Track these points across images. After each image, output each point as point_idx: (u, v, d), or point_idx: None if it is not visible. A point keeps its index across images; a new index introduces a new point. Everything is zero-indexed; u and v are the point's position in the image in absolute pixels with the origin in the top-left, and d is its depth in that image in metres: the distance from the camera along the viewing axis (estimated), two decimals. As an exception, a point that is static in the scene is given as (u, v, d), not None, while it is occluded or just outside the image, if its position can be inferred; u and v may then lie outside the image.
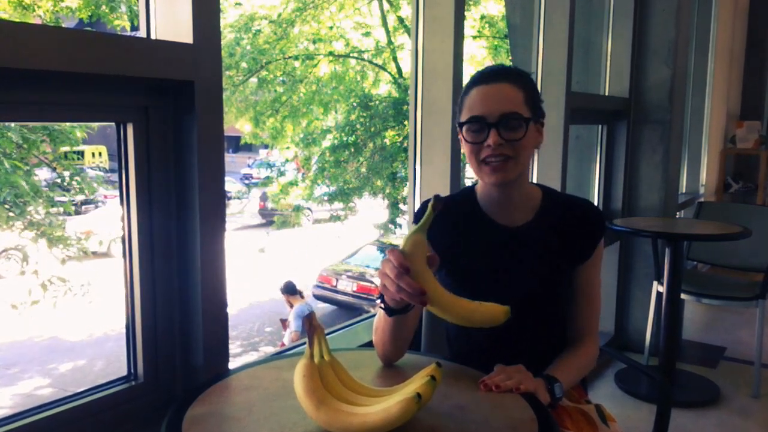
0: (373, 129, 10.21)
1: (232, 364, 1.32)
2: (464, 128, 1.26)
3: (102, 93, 1.15)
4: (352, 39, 10.65)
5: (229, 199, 15.94)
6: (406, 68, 10.27)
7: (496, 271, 1.34)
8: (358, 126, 10.33)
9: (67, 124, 6.01)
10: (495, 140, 1.22)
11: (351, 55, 10.73)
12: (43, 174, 6.73)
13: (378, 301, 1.15)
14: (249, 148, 18.95)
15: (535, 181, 2.49)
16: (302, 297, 7.37)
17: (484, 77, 1.28)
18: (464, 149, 1.29)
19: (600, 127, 3.43)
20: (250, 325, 9.13)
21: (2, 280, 8.44)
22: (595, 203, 2.94)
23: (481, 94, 1.25)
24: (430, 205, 1.03)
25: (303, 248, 12.74)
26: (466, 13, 2.06)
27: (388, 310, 1.13)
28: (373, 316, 2.16)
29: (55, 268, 6.32)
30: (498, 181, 1.25)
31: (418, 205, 1.43)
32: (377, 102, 10.40)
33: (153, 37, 1.25)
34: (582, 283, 1.37)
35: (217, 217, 1.27)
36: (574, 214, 1.37)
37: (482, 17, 10.52)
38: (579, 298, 1.38)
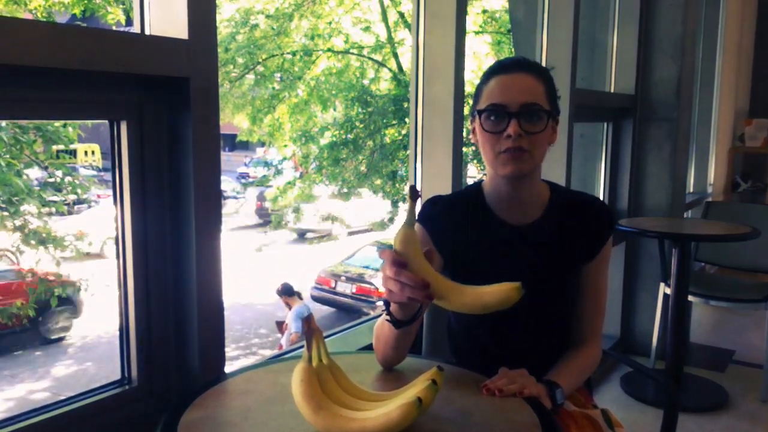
0: (372, 126, 10.21)
1: (229, 368, 1.32)
2: (482, 116, 1.24)
3: (95, 90, 1.15)
4: (351, 35, 10.65)
5: (225, 198, 15.93)
6: (407, 64, 10.28)
7: (502, 271, 1.32)
8: (357, 123, 10.33)
9: (60, 124, 6.00)
10: (515, 130, 1.20)
11: (351, 51, 10.74)
12: (34, 173, 6.72)
13: (384, 314, 1.14)
14: (245, 146, 18.95)
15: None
16: (300, 298, 7.37)
17: (505, 67, 1.27)
18: (479, 139, 1.27)
19: (605, 124, 3.43)
20: (247, 328, 9.13)
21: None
22: (601, 203, 2.94)
23: (502, 83, 1.24)
24: (408, 197, 1.02)
25: (302, 249, 12.73)
26: (467, 8, 2.06)
27: (396, 323, 1.11)
28: (373, 318, 2.16)
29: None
30: (513, 172, 1.23)
31: (419, 205, 1.42)
32: (377, 98, 10.40)
33: (147, 32, 1.24)
34: (588, 283, 1.37)
35: (213, 216, 1.27)
36: (583, 211, 1.37)
37: (484, 11, 10.52)
38: (584, 297, 1.38)
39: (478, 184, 1.39)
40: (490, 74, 1.27)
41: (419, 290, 0.99)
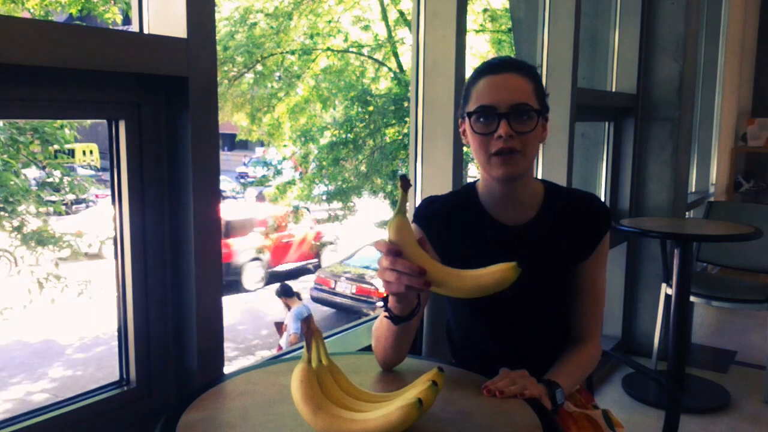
0: (372, 126, 10.20)
1: (227, 369, 1.32)
2: (472, 118, 1.25)
3: (93, 89, 1.15)
4: (351, 33, 10.65)
5: (225, 198, 15.92)
6: (408, 63, 10.27)
7: None
8: (357, 122, 10.33)
9: (57, 125, 6.01)
10: (506, 131, 1.20)
11: (350, 50, 10.74)
12: (32, 173, 6.73)
13: (383, 310, 1.14)
14: (245, 145, 18.95)
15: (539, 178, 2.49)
16: (299, 299, 7.36)
17: (493, 67, 1.27)
18: (470, 141, 1.28)
19: (607, 124, 3.43)
20: (246, 329, 9.13)
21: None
22: (602, 203, 2.93)
23: (491, 84, 1.24)
24: (399, 186, 1.02)
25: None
26: (468, 7, 2.06)
27: (394, 319, 1.11)
28: (373, 319, 2.16)
29: (48, 268, 6.33)
30: (506, 174, 1.24)
31: (418, 205, 1.42)
32: (377, 97, 10.40)
33: (146, 31, 1.24)
34: (586, 280, 1.37)
35: (212, 216, 1.27)
36: (578, 208, 1.36)
37: (485, 10, 10.53)
38: (582, 295, 1.37)
39: (473, 185, 1.40)
40: (477, 75, 1.27)
41: (416, 277, 1.00)
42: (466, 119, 1.27)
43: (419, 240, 1.05)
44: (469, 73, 1.39)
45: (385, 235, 1.07)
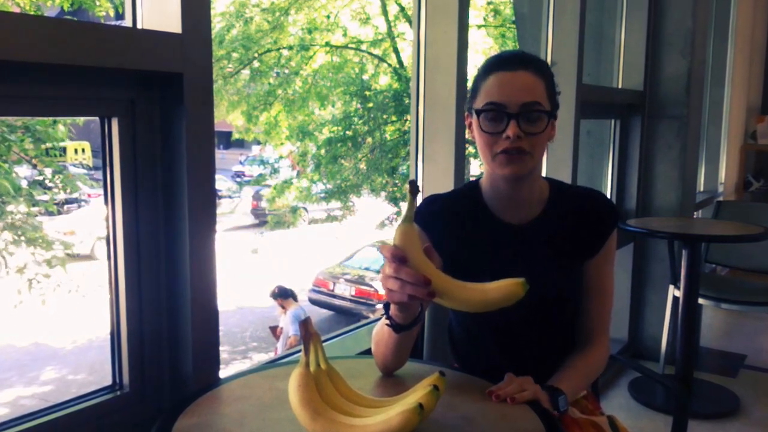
0: (372, 123, 10.20)
1: (223, 373, 1.32)
2: (480, 116, 1.24)
3: (85, 86, 1.15)
4: (350, 29, 10.65)
5: (220, 198, 15.93)
6: (408, 58, 10.27)
7: (503, 271, 1.33)
8: (356, 119, 10.32)
9: (48, 124, 6.01)
10: (514, 131, 1.19)
11: (349, 45, 10.73)
12: (23, 171, 6.73)
13: (384, 318, 1.14)
14: (241, 144, 18.94)
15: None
16: (296, 300, 7.36)
17: (504, 63, 1.25)
18: (477, 138, 1.27)
19: (613, 121, 3.43)
20: (243, 331, 9.13)
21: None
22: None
23: (501, 81, 1.23)
24: (407, 192, 1.01)
25: (298, 250, 12.74)
26: (470, 0, 2.06)
27: (396, 327, 1.11)
28: (373, 321, 2.16)
29: (38, 269, 6.32)
30: (512, 173, 1.23)
31: (419, 204, 1.42)
32: (376, 94, 10.39)
33: (139, 26, 1.24)
34: (593, 280, 1.36)
35: (208, 216, 1.27)
36: (583, 206, 1.36)
37: (489, 3, 10.53)
38: (589, 295, 1.37)
39: (476, 182, 1.39)
40: (488, 69, 1.26)
41: (420, 287, 0.99)
42: (474, 115, 1.26)
43: (425, 248, 1.04)
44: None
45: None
